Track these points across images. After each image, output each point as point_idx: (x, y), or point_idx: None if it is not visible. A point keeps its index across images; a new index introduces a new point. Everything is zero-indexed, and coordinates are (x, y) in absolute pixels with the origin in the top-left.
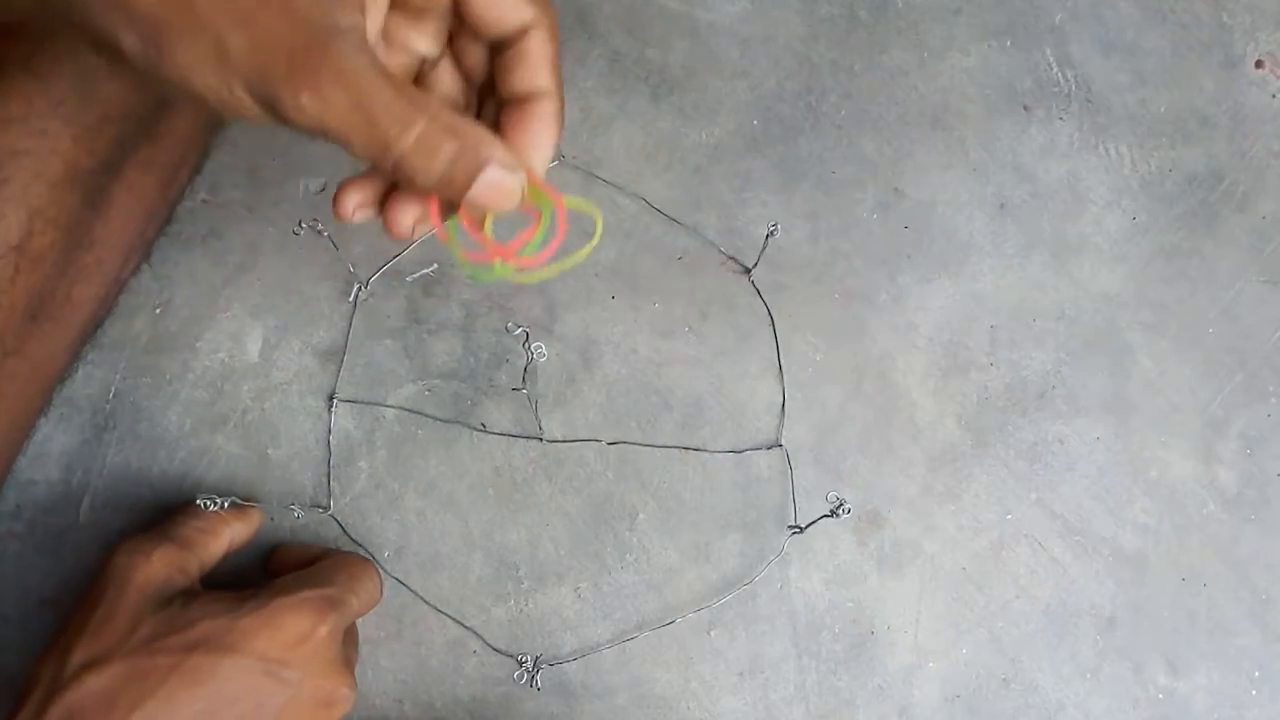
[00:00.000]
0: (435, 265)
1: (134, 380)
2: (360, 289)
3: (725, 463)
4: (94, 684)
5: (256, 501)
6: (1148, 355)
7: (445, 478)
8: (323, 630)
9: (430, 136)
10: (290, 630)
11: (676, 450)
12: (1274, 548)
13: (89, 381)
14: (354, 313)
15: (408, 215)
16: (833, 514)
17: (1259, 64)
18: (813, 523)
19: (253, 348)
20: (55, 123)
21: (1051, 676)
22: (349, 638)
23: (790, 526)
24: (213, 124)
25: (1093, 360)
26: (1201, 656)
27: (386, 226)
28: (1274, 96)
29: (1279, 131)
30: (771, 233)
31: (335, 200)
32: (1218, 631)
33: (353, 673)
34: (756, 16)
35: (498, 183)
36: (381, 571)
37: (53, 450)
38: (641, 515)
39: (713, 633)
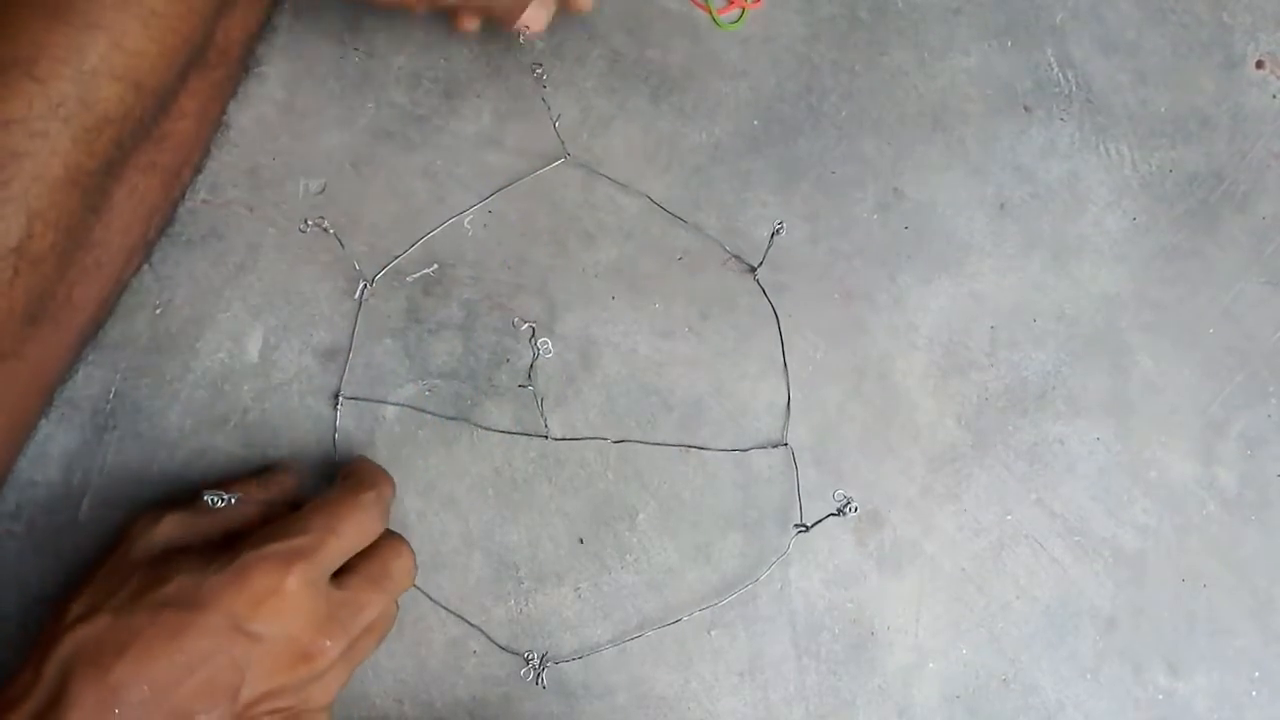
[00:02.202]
0: (435, 265)
1: (134, 380)
2: (366, 286)
3: (725, 463)
4: (83, 634)
5: (288, 466)
6: (1148, 355)
7: (445, 478)
8: (290, 582)
9: None
10: (256, 586)
11: (677, 450)
12: (1274, 548)
13: (89, 381)
14: (359, 311)
15: None
16: (839, 513)
17: (1259, 64)
18: (819, 521)
19: (253, 348)
20: (55, 124)
21: (1051, 677)
22: (365, 580)
23: (796, 525)
24: (215, 124)
25: (1093, 360)
26: (1201, 657)
27: None
28: (1274, 97)
29: (1279, 131)
30: (777, 231)
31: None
32: (1218, 632)
33: (342, 622)
34: (756, 16)
35: None
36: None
37: (53, 450)
38: (641, 515)
39: (713, 633)
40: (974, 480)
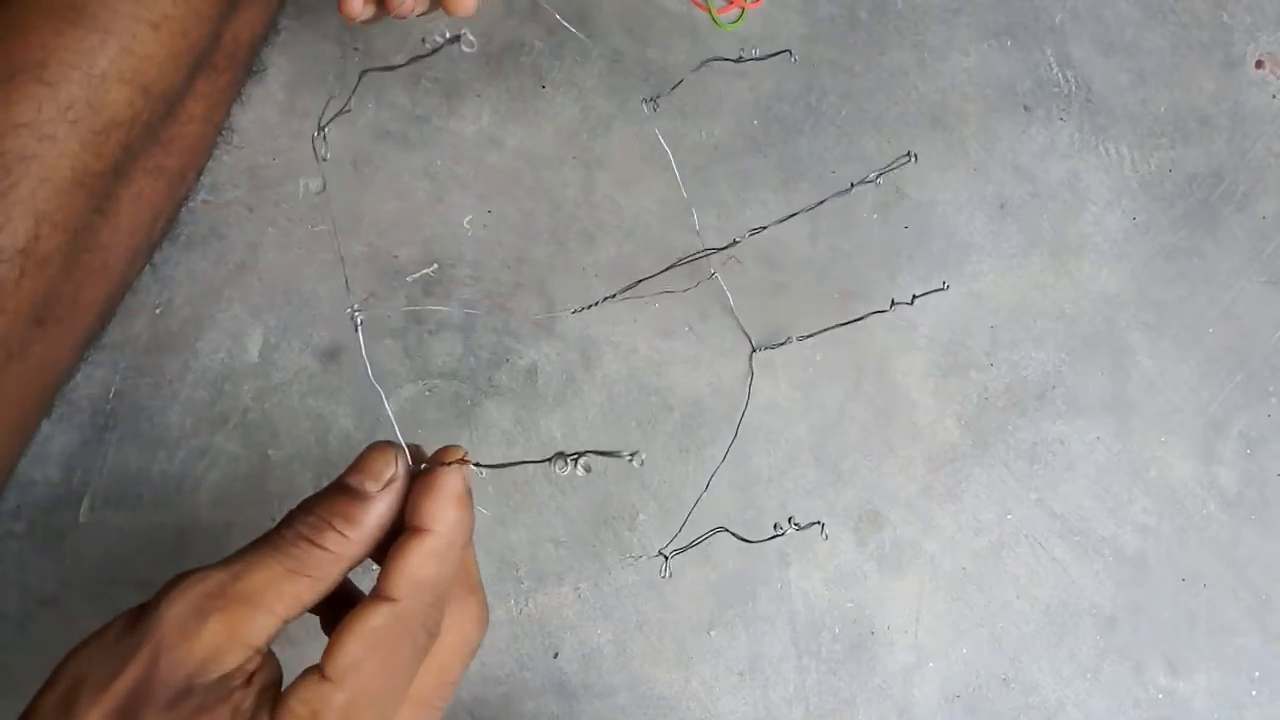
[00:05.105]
0: (435, 265)
1: (134, 380)
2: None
3: (725, 463)
4: None
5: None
6: (1148, 355)
7: None
8: None
9: None
10: None
11: (677, 449)
12: (1274, 548)
13: (89, 381)
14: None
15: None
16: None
17: (1259, 64)
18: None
19: (253, 348)
20: (63, 127)
21: (1051, 676)
22: (415, 707)
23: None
24: (219, 128)
25: (1093, 360)
26: (1201, 657)
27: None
28: (1274, 96)
29: (1279, 131)
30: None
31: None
32: (1218, 632)
33: None
34: (756, 16)
35: None
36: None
37: (53, 450)
38: (641, 515)
39: (713, 633)
40: (974, 480)
